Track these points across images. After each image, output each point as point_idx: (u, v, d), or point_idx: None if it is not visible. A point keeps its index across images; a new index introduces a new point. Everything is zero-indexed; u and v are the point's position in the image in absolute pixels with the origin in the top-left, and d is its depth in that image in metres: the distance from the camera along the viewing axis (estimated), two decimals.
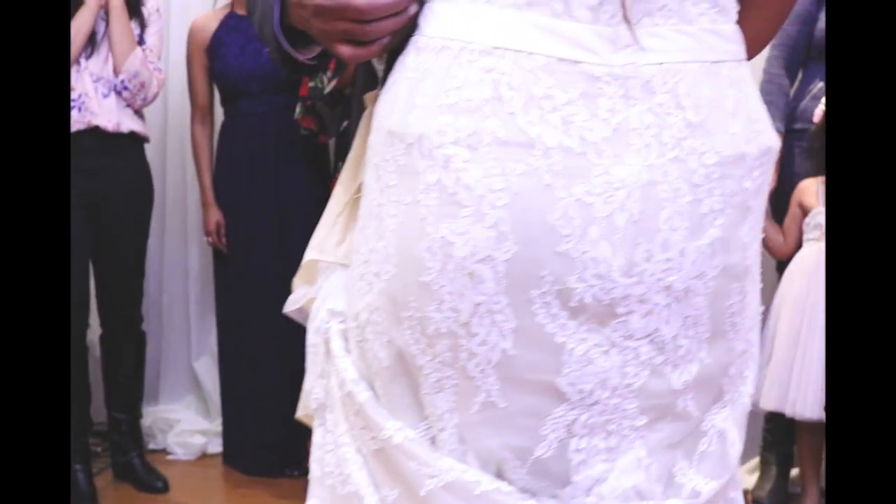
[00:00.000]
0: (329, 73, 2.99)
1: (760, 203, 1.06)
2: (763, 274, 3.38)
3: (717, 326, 1.03)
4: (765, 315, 2.98)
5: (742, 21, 1.08)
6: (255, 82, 3.24)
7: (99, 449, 3.45)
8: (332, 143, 3.37)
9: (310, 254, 1.19)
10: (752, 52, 1.13)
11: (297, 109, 3.15)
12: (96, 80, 3.01)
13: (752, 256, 1.06)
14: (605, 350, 0.99)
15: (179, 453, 3.53)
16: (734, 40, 1.04)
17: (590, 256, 0.97)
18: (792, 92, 3.01)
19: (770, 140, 1.06)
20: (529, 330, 0.98)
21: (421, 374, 1.02)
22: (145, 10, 3.13)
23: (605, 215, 0.96)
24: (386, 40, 1.04)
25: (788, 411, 2.81)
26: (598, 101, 0.96)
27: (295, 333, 3.17)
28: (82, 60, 2.98)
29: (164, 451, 3.56)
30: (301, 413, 1.23)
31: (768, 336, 2.93)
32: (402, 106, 1.02)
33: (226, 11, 3.35)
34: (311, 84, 3.06)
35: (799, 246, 2.95)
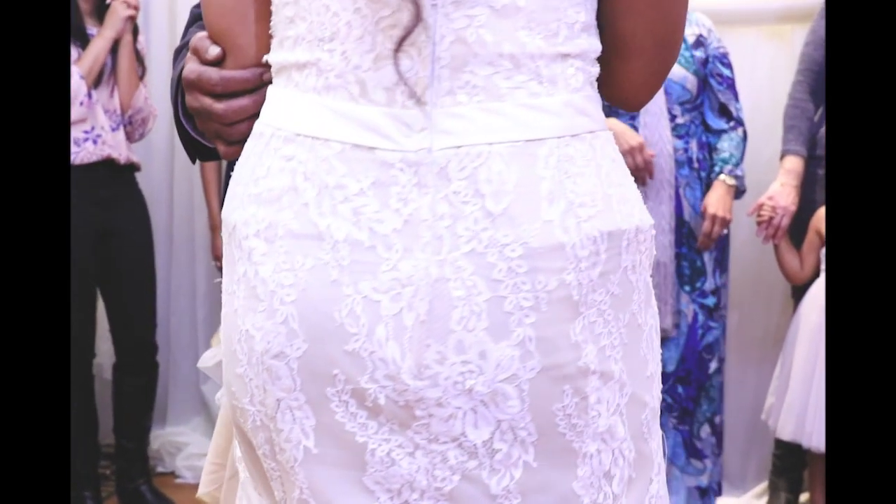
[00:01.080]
0: None
1: (607, 295, 0.95)
2: (777, 299, 3.34)
3: (547, 430, 0.94)
4: (781, 344, 2.99)
5: (623, 73, 1.03)
6: None
7: (108, 472, 3.44)
8: None
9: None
10: (640, 101, 1.08)
11: None
12: (105, 113, 3.04)
13: (599, 356, 0.95)
14: (409, 452, 0.94)
15: (188, 477, 3.52)
16: (562, 114, 0.95)
17: (378, 357, 0.91)
18: (816, 117, 3.02)
19: (619, 222, 0.96)
20: (330, 428, 0.94)
21: (260, 460, 1.01)
22: (138, 45, 3.17)
23: (392, 314, 0.91)
24: None
25: (805, 443, 2.80)
26: (390, 190, 0.91)
27: None
28: (92, 91, 3.00)
29: (173, 475, 3.56)
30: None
31: (785, 366, 2.92)
32: (229, 192, 1.01)
33: None
34: None
35: (817, 274, 2.93)
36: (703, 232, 2.81)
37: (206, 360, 1.25)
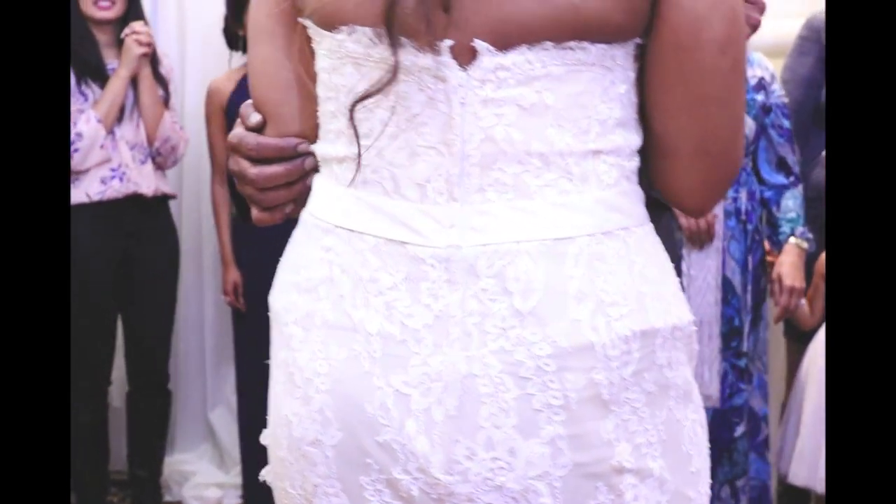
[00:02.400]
0: None
1: (641, 393, 0.95)
2: (777, 343, 3.24)
3: None
4: (789, 388, 2.93)
5: (666, 173, 1.02)
6: None
7: (115, 499, 3.46)
8: None
9: None
10: (695, 207, 1.06)
11: None
12: (132, 148, 3.08)
13: (635, 454, 0.94)
14: None
15: None
16: (594, 212, 0.95)
17: (409, 450, 0.93)
18: (797, 157, 2.95)
19: (653, 320, 0.95)
20: None
21: None
22: (163, 70, 3.20)
23: (422, 408, 0.92)
24: (289, 207, 1.09)
25: (819, 488, 2.72)
26: (420, 286, 0.93)
27: None
28: (115, 129, 3.04)
29: None
30: None
31: (794, 410, 2.86)
32: (276, 279, 1.06)
33: (242, 73, 3.38)
34: None
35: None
36: (781, 306, 2.65)
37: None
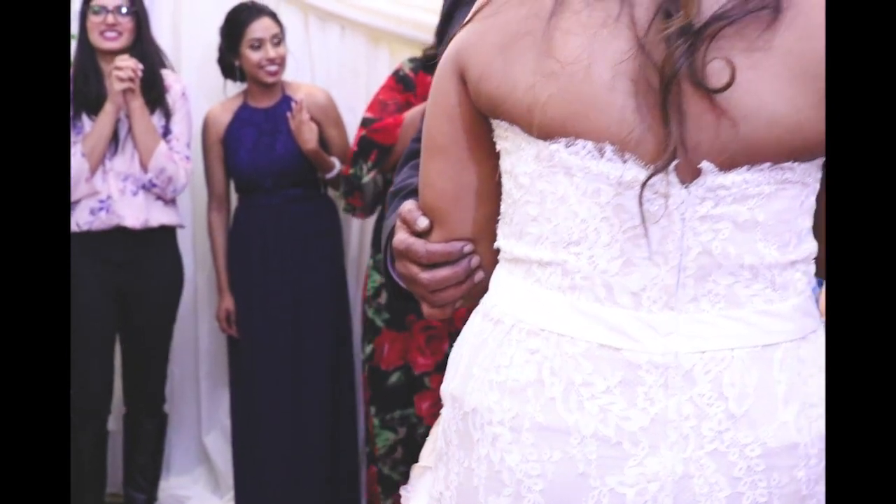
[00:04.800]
0: (369, 164, 3.07)
1: (822, 487, 1.01)
2: None
3: None
4: None
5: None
6: (268, 178, 3.30)
7: None
8: (347, 235, 3.50)
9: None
10: None
11: (341, 189, 3.23)
12: (124, 179, 3.09)
13: None
14: None
15: None
16: (793, 318, 1.01)
17: None
18: None
19: None
20: None
21: None
22: (169, 97, 3.18)
23: None
24: (458, 303, 1.14)
25: None
26: (636, 390, 0.97)
27: (310, 413, 3.25)
28: (106, 160, 3.06)
29: None
30: None
31: None
32: (462, 371, 1.07)
33: (238, 102, 3.41)
34: (351, 171, 3.13)
35: None
36: None
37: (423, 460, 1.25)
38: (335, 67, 3.61)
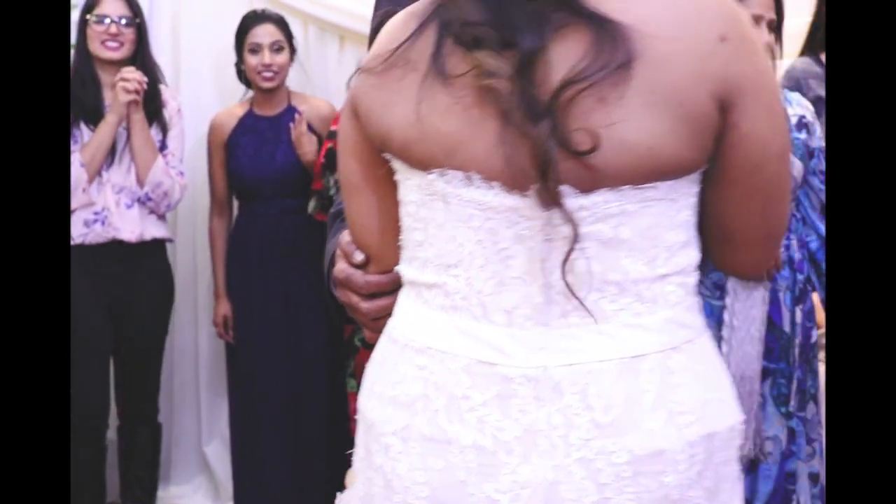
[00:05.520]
0: (335, 176, 3.07)
1: (701, 489, 1.05)
2: None
3: None
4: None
5: (735, 259, 1.15)
6: (268, 186, 3.32)
7: None
8: None
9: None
10: (754, 275, 1.21)
11: (311, 204, 3.24)
12: (119, 192, 3.07)
13: None
14: None
15: None
16: (664, 329, 1.06)
17: None
18: None
19: (715, 425, 1.06)
20: None
21: None
22: (166, 113, 3.18)
23: None
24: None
25: None
26: (510, 402, 1.03)
27: (309, 420, 3.25)
28: (103, 172, 3.04)
29: None
30: None
31: None
32: (366, 388, 1.16)
33: (245, 109, 3.42)
34: (322, 184, 3.15)
35: None
36: None
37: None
38: (333, 78, 3.63)
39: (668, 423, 1.03)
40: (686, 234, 1.08)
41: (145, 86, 3.03)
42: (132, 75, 3.00)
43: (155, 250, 3.21)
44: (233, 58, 3.38)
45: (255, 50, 3.27)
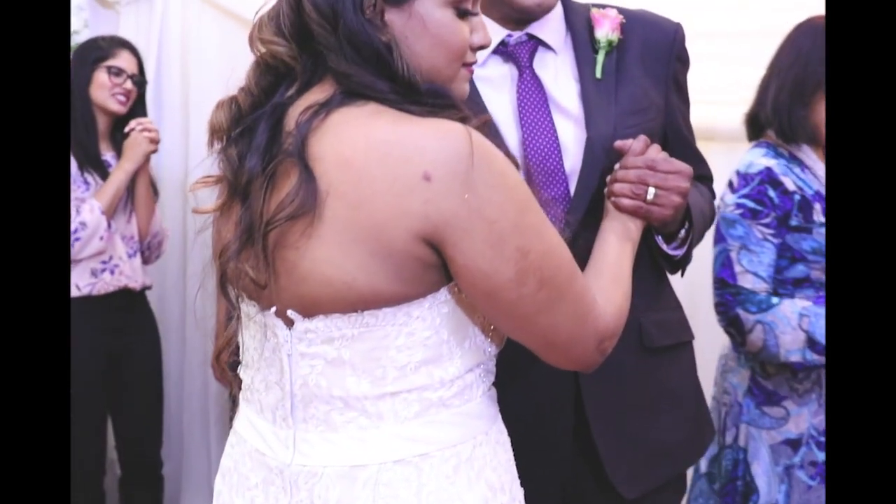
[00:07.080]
0: None
1: None
2: None
3: None
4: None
5: (546, 358, 1.21)
6: None
7: None
8: None
9: None
10: (588, 363, 1.22)
11: None
12: (122, 240, 3.03)
13: None
14: None
15: None
16: (388, 444, 1.16)
17: None
18: None
19: None
20: None
21: None
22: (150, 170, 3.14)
23: None
24: None
25: None
26: (270, 489, 1.22)
27: None
28: (112, 222, 2.98)
29: None
30: None
31: None
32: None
33: None
34: None
35: None
36: None
37: None
38: None
39: None
40: (428, 352, 1.15)
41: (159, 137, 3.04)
42: (154, 126, 3.02)
43: (143, 298, 3.19)
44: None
45: None
